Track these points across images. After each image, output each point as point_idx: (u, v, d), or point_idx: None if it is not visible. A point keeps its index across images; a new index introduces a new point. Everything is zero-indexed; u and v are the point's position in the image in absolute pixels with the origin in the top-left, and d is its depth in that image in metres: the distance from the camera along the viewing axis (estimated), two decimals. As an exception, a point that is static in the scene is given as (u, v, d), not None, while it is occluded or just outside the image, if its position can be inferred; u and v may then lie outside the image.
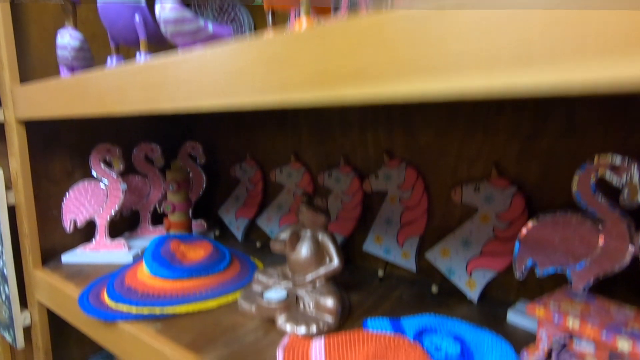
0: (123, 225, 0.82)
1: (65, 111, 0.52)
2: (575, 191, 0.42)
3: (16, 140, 0.65)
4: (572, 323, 0.33)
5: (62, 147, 0.73)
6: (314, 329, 0.44)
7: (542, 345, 0.36)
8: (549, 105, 0.49)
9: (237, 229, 0.84)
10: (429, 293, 0.57)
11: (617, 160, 0.39)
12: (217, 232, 0.87)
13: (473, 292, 0.54)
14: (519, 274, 0.48)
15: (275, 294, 0.49)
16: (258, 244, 0.80)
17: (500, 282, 0.56)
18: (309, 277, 0.50)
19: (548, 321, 0.35)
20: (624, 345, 0.30)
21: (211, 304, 0.52)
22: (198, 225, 0.86)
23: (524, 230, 0.47)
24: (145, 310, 0.49)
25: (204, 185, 0.87)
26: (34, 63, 0.68)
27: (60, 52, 0.62)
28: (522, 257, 0.48)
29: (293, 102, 0.28)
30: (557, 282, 0.49)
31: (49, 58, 0.69)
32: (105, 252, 0.71)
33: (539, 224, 0.46)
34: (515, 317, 0.48)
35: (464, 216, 0.57)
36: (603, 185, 0.41)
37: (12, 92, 0.63)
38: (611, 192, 0.41)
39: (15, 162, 0.66)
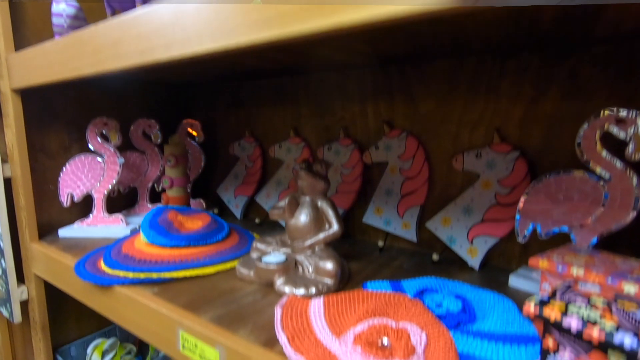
0: (121, 203, 0.81)
1: (61, 74, 0.51)
2: (579, 147, 0.41)
3: (12, 111, 0.64)
4: (577, 272, 0.32)
5: (58, 122, 0.73)
6: (313, 290, 0.44)
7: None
8: (553, 66, 0.49)
9: (236, 207, 0.84)
10: (429, 263, 0.57)
11: (623, 113, 0.38)
12: (215, 211, 0.86)
13: (474, 260, 0.53)
14: (521, 238, 0.47)
15: (274, 257, 0.48)
16: (257, 220, 0.79)
17: (502, 250, 0.55)
18: (309, 241, 0.50)
19: (551, 272, 0.34)
20: (629, 288, 0.29)
21: (209, 270, 0.51)
22: (197, 204, 0.85)
23: (526, 192, 0.46)
24: (141, 276, 0.49)
25: (203, 163, 0.86)
26: (28, 33, 0.67)
27: (55, 20, 0.61)
28: (524, 221, 0.47)
29: (292, 35, 0.27)
30: (560, 247, 0.49)
31: (44, 28, 0.68)
32: (102, 226, 0.71)
33: (542, 184, 0.45)
34: (517, 281, 0.48)
35: (465, 184, 0.56)
36: (608, 141, 0.41)
37: (7, 61, 0.62)
38: (616, 148, 0.40)
39: (10, 134, 0.65)
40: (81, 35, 0.46)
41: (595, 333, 0.22)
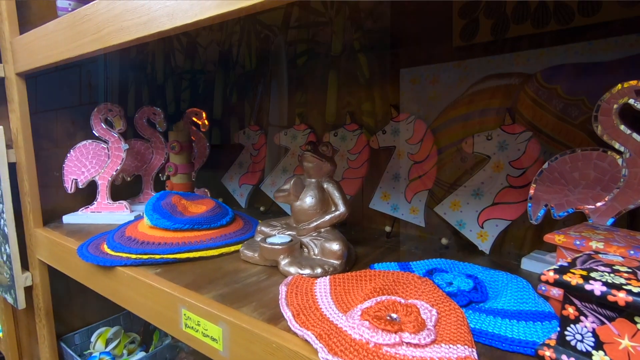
0: (125, 191, 0.81)
1: (64, 54, 0.51)
2: (596, 121, 0.40)
3: (16, 96, 0.64)
4: (596, 245, 0.31)
5: (63, 109, 0.72)
6: (318, 270, 0.42)
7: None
8: (567, 41, 0.47)
9: (241, 195, 0.83)
10: (438, 248, 0.55)
11: (643, 84, 0.36)
12: (220, 201, 0.85)
13: (485, 244, 0.52)
14: (534, 220, 0.46)
15: (279, 239, 0.47)
16: (262, 209, 0.78)
17: (513, 235, 0.53)
18: (314, 223, 0.49)
19: (568, 248, 0.33)
20: (654, 260, 0.27)
21: (212, 252, 0.50)
22: (201, 192, 0.84)
23: (539, 172, 0.44)
24: (144, 257, 0.48)
25: (208, 152, 0.85)
26: (33, 18, 0.66)
27: (60, 3, 0.60)
28: (537, 202, 0.45)
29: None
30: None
31: (48, 12, 0.67)
32: (106, 213, 0.70)
33: (557, 163, 0.43)
34: (530, 263, 0.46)
35: (475, 168, 0.55)
36: (625, 118, 0.39)
37: (12, 45, 0.62)
38: (634, 125, 0.39)
39: (15, 118, 0.65)
40: (83, 12, 0.45)
41: (621, 295, 0.20)
